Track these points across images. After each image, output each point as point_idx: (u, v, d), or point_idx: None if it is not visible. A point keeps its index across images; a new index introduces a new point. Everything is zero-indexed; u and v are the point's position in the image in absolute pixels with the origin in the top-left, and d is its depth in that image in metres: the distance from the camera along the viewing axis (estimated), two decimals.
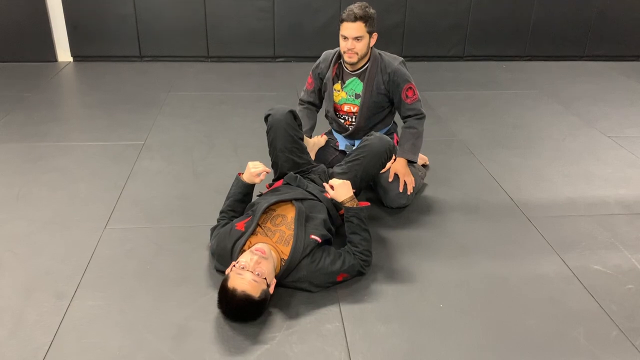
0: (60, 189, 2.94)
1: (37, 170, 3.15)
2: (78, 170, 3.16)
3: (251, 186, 2.48)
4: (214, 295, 2.05)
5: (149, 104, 4.23)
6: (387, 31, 5.38)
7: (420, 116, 2.83)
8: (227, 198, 2.49)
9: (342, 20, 2.64)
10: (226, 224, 2.35)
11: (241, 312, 1.96)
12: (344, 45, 2.67)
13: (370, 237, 2.31)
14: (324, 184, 2.40)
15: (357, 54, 2.67)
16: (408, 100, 2.78)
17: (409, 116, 2.83)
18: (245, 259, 2.00)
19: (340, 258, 2.18)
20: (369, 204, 2.35)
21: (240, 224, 2.23)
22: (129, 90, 4.57)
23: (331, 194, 2.33)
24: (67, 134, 3.68)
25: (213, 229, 2.39)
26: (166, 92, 4.51)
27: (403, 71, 2.77)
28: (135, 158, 3.31)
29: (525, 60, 5.76)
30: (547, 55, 5.77)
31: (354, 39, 2.62)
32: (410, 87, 2.77)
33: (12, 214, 2.70)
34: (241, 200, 2.46)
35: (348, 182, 2.34)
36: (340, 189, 2.31)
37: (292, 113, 2.55)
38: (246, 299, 1.91)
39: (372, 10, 2.64)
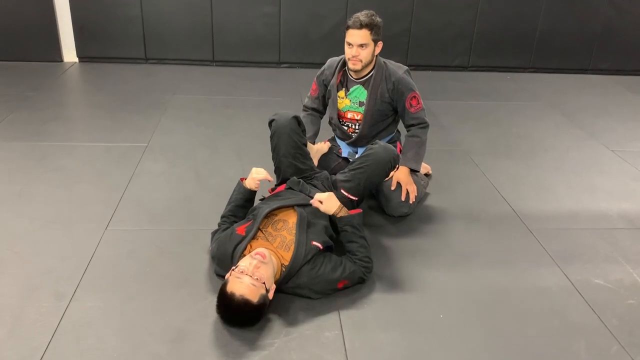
0: (62, 189, 2.94)
1: (40, 169, 3.15)
2: (80, 171, 3.16)
3: (253, 192, 2.49)
4: (213, 299, 2.04)
5: (153, 106, 4.24)
6: (392, 39, 5.39)
7: (424, 125, 2.83)
8: (229, 203, 2.49)
9: (348, 27, 2.63)
10: (227, 228, 2.35)
11: (239, 316, 1.95)
12: (348, 52, 2.67)
13: (368, 244, 2.30)
14: (312, 200, 2.31)
15: (361, 61, 2.67)
16: (412, 110, 2.78)
17: (413, 125, 2.83)
18: (244, 263, 2.00)
19: (341, 265, 2.18)
20: (360, 210, 2.35)
21: (240, 228, 2.23)
22: (134, 92, 4.57)
23: (322, 208, 2.30)
24: (70, 134, 3.68)
25: (214, 233, 2.39)
26: (171, 95, 4.51)
27: (407, 80, 2.77)
28: (138, 159, 3.31)
29: (529, 72, 5.76)
30: (552, 68, 5.77)
31: (358, 46, 2.62)
32: (415, 96, 2.77)
33: (13, 212, 2.69)
34: (242, 205, 2.46)
35: (332, 194, 2.32)
36: (329, 202, 2.29)
37: (297, 119, 2.55)
38: (245, 304, 1.91)
39: (378, 19, 2.64)
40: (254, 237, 2.18)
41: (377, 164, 2.51)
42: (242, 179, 2.51)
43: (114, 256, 2.39)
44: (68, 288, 2.17)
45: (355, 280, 2.23)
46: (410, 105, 2.76)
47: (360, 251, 2.26)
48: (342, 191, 2.48)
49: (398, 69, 2.79)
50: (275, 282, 2.07)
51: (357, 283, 2.25)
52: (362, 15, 2.60)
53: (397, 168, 2.74)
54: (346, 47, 2.68)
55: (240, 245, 2.16)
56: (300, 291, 2.14)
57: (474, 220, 2.83)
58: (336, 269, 2.16)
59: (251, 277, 1.94)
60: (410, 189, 2.76)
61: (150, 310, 2.08)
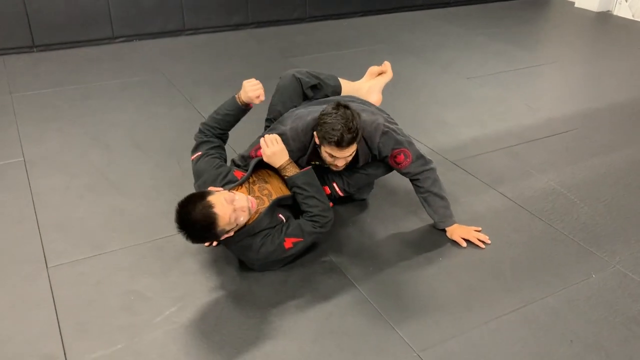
0: None
1: None
2: None
3: (245, 111, 2.40)
4: (222, 313, 1.90)
5: None
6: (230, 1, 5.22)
7: (422, 176, 2.39)
8: (216, 114, 2.37)
9: (325, 141, 2.14)
10: (214, 152, 2.30)
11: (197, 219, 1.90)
12: (330, 160, 2.24)
13: (320, 201, 2.17)
14: (261, 141, 2.24)
15: (346, 164, 2.30)
16: (400, 167, 2.38)
17: (412, 179, 2.44)
18: (240, 197, 1.99)
19: (285, 224, 2.14)
20: (309, 168, 2.24)
21: (239, 173, 2.22)
22: None
23: (265, 156, 2.20)
24: None
25: (198, 145, 2.33)
26: (7, 95, 3.77)
27: (385, 144, 2.32)
28: (26, 179, 2.77)
29: (359, 16, 6.06)
30: (379, 9, 6.15)
31: (345, 157, 2.23)
32: (397, 154, 2.34)
33: None
34: (233, 120, 2.39)
35: (283, 148, 2.21)
36: (274, 155, 2.19)
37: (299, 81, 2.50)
38: (211, 217, 1.89)
39: (357, 124, 2.11)
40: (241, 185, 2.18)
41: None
42: (236, 96, 2.36)
43: (81, 296, 2.04)
44: (55, 348, 1.81)
45: (306, 236, 2.13)
46: (396, 162, 2.37)
47: (310, 210, 2.16)
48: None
49: (374, 132, 2.31)
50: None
51: (309, 241, 2.16)
52: (345, 132, 2.08)
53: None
54: (327, 155, 2.23)
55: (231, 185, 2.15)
56: (247, 253, 2.09)
57: None
58: (281, 230, 2.11)
59: (235, 211, 1.94)
60: (472, 235, 2.41)
61: (163, 339, 1.86)
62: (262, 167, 2.28)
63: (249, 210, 2.01)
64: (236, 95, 2.35)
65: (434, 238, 2.42)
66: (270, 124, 2.51)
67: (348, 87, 2.72)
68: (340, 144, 2.10)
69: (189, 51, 4.77)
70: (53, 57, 4.53)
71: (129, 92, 3.90)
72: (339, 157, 2.18)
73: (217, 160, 2.26)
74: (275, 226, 2.11)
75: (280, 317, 1.98)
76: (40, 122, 3.40)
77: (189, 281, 2.13)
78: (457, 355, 1.84)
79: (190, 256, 2.26)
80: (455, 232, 2.41)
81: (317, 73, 2.61)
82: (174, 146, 3.12)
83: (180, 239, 2.32)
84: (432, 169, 2.40)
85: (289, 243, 2.11)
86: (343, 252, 2.32)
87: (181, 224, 1.91)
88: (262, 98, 2.33)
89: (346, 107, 2.15)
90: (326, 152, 2.19)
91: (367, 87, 2.80)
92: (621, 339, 1.92)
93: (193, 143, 2.38)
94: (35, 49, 4.64)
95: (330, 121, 2.10)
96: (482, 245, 2.38)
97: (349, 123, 2.09)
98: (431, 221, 2.48)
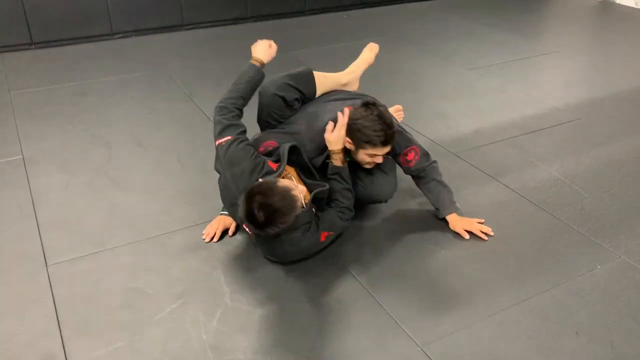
0: None
1: None
2: None
3: (262, 78, 2.34)
4: (227, 306, 1.88)
5: None
6: None
7: (427, 169, 2.40)
8: (237, 85, 2.26)
9: (370, 144, 2.15)
10: (243, 136, 2.16)
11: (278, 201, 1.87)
12: (370, 160, 2.24)
13: (352, 195, 2.28)
14: (328, 125, 2.22)
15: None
16: (410, 165, 2.38)
17: (418, 175, 2.44)
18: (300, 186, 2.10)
19: (319, 219, 2.18)
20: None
21: (272, 164, 2.16)
22: None
23: (327, 136, 2.22)
24: None
25: (225, 128, 2.14)
26: (6, 93, 3.75)
27: (399, 141, 2.33)
28: (25, 176, 2.75)
29: (359, 7, 6.01)
30: (379, 1, 6.10)
31: (384, 153, 2.24)
32: (408, 151, 2.36)
33: None
34: (254, 88, 2.31)
35: (342, 135, 2.21)
36: (337, 138, 2.20)
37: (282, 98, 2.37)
38: (287, 191, 1.91)
39: (390, 116, 2.18)
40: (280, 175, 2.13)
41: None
42: (253, 60, 2.31)
43: (80, 293, 2.03)
44: (54, 346, 1.80)
45: (337, 229, 2.23)
46: (407, 160, 2.38)
47: (342, 201, 2.24)
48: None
49: None
50: None
51: (337, 233, 2.25)
52: (388, 130, 2.12)
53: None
54: (364, 157, 2.23)
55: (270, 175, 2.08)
56: (286, 247, 2.09)
57: None
58: (317, 224, 2.16)
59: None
60: (475, 227, 2.39)
61: (166, 334, 1.84)
62: None
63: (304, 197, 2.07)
64: (251, 62, 2.30)
65: (437, 231, 2.40)
66: (265, 129, 2.46)
67: (324, 81, 2.58)
68: (387, 142, 2.15)
69: (188, 46, 4.75)
70: (51, 54, 4.51)
71: (128, 88, 3.88)
72: (381, 154, 2.20)
73: (252, 149, 2.14)
74: (311, 220, 2.12)
75: (281, 312, 1.96)
76: (39, 119, 3.38)
77: (190, 278, 2.12)
78: (461, 348, 1.82)
79: (191, 253, 2.24)
80: (458, 224, 2.39)
81: (293, 80, 2.41)
82: (174, 142, 3.10)
83: (181, 236, 2.32)
84: (436, 161, 2.44)
85: (323, 237, 2.16)
86: (344, 246, 2.30)
87: (257, 213, 1.85)
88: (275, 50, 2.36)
89: (374, 104, 2.18)
90: (366, 154, 2.20)
91: (345, 81, 2.73)
92: (627, 329, 1.89)
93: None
94: (33, 46, 4.61)
95: (368, 124, 2.12)
96: (485, 237, 2.36)
97: (386, 120, 2.13)
98: (434, 213, 2.45)
